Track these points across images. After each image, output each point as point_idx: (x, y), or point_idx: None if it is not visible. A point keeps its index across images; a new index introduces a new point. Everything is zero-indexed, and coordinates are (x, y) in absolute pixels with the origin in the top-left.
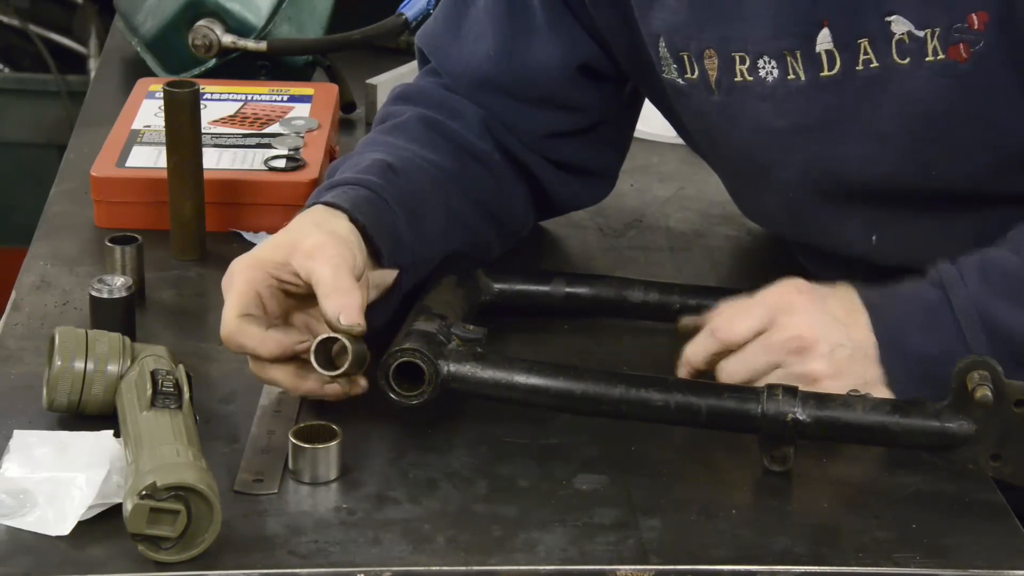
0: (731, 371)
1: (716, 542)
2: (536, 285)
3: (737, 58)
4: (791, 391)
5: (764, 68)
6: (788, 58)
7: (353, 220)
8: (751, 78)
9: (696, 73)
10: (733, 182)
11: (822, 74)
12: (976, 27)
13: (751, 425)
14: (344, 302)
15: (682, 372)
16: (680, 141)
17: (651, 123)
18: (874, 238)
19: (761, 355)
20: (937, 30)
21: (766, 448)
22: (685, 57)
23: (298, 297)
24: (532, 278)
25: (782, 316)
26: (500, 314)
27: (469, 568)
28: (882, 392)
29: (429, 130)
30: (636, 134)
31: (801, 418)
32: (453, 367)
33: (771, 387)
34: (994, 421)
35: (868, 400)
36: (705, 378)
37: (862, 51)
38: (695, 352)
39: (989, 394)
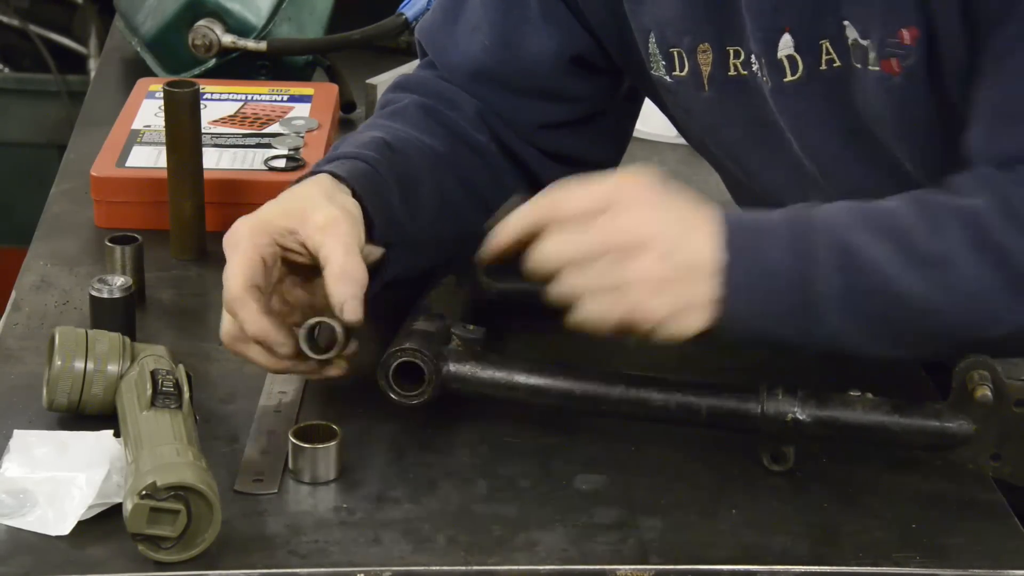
0: (556, 244)
1: (716, 542)
2: (536, 285)
3: (732, 52)
4: (791, 390)
5: (756, 64)
6: (761, 59)
7: (355, 194)
8: (745, 72)
9: (686, 69)
10: (726, 178)
11: (785, 79)
12: (907, 42)
13: (751, 425)
14: (351, 292)
15: (486, 251)
16: (680, 141)
17: (651, 123)
18: None
19: (595, 236)
20: (875, 42)
21: (766, 448)
22: (675, 53)
23: (295, 266)
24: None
25: (622, 205)
26: (500, 314)
27: (469, 568)
28: (707, 311)
29: (427, 116)
30: (636, 134)
31: (801, 418)
32: (453, 367)
33: (771, 386)
34: (994, 421)
35: (868, 400)
36: (513, 266)
37: (824, 51)
38: (512, 223)
39: (989, 394)
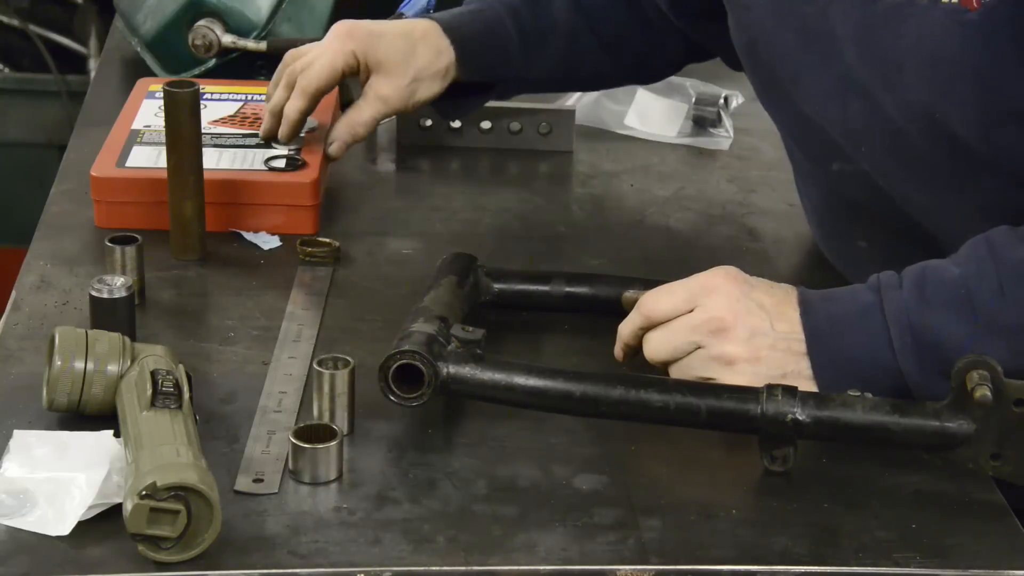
0: (654, 346)
1: (716, 542)
2: (536, 285)
3: None
4: (791, 391)
5: None
6: None
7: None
8: None
9: None
10: (766, 92)
11: None
12: None
13: (751, 425)
14: (345, 138)
15: (616, 347)
16: (680, 141)
17: (651, 123)
18: (872, 183)
19: (681, 333)
20: None
21: (766, 448)
22: None
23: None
24: (532, 278)
25: (704, 297)
26: (500, 314)
27: (469, 568)
28: (807, 385)
29: None
30: (636, 134)
31: (801, 418)
32: (453, 369)
33: (771, 387)
34: (994, 421)
35: (868, 400)
36: (638, 356)
37: None
38: (625, 327)
39: (989, 394)
